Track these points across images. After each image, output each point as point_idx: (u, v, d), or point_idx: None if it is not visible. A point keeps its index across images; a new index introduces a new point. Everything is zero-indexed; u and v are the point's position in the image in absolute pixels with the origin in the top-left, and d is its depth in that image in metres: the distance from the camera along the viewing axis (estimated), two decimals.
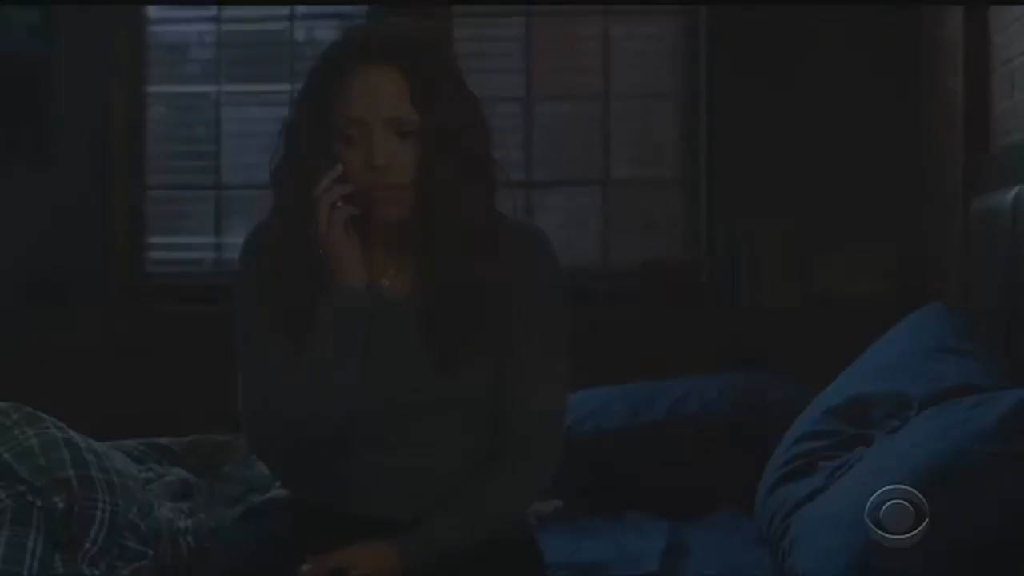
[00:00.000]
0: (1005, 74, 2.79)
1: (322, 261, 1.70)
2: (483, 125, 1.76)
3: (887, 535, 1.81)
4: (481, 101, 1.77)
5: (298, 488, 1.85)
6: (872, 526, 1.82)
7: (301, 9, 3.81)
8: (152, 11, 3.87)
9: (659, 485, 2.70)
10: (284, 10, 3.81)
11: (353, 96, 1.67)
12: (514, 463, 1.75)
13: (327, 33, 3.75)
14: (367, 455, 1.74)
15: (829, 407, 2.34)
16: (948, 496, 1.83)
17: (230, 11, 3.83)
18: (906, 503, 1.81)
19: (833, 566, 1.90)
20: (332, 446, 1.73)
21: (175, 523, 2.24)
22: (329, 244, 1.69)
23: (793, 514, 2.16)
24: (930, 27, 3.28)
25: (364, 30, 1.75)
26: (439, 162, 1.69)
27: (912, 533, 1.79)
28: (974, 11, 2.94)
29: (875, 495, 1.83)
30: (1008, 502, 1.85)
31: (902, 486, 1.83)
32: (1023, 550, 1.83)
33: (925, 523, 1.79)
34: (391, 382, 1.73)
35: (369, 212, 1.71)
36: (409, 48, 1.69)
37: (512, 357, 1.74)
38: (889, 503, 1.81)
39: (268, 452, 1.79)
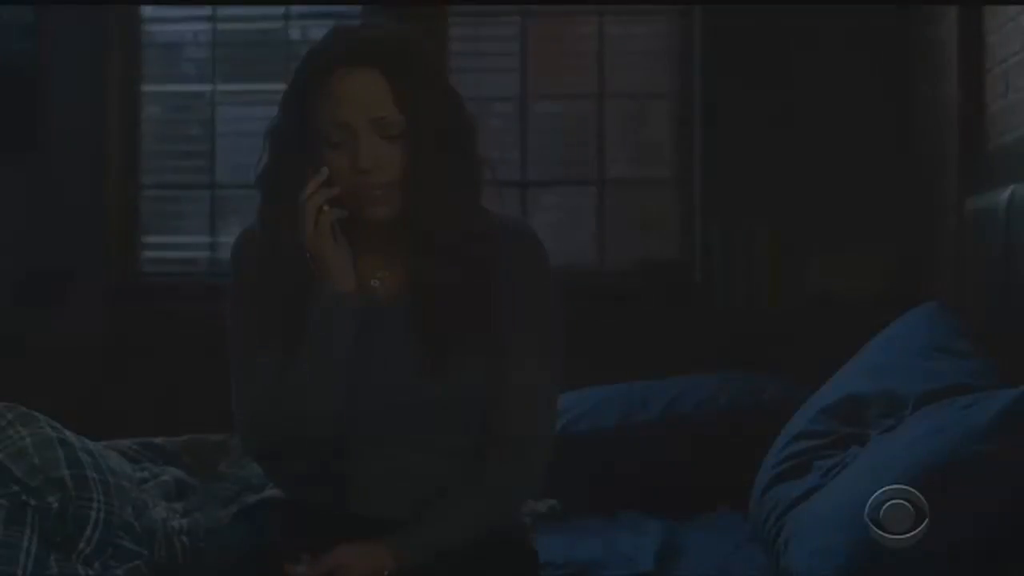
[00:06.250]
0: (999, 74, 2.79)
1: (310, 264, 1.70)
2: (468, 123, 1.75)
3: (886, 535, 1.81)
4: (465, 99, 1.76)
5: (292, 488, 1.85)
6: (872, 526, 1.82)
7: (296, 9, 3.81)
8: (146, 10, 3.87)
9: (654, 484, 2.70)
10: (279, 10, 3.81)
11: (336, 99, 1.67)
12: (507, 462, 1.75)
13: (322, 33, 3.72)
14: (360, 455, 1.75)
15: (823, 406, 2.34)
16: (943, 495, 1.83)
17: (225, 10, 3.82)
18: (905, 503, 1.81)
19: (828, 565, 1.90)
20: (325, 446, 1.73)
21: (170, 523, 2.23)
22: (317, 247, 1.69)
23: (788, 513, 2.17)
24: (924, 27, 3.29)
25: (344, 32, 1.74)
26: (426, 162, 1.69)
27: (912, 533, 1.79)
28: (968, 11, 2.94)
29: (875, 495, 1.83)
30: (1004, 502, 1.85)
31: (901, 486, 1.83)
32: (1018, 549, 1.83)
33: (925, 523, 1.79)
34: (383, 382, 1.73)
35: (357, 214, 1.71)
36: (390, 49, 1.69)
37: (503, 356, 1.73)
38: (888, 503, 1.81)
39: (261, 453, 1.79)
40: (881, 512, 1.82)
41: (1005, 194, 2.50)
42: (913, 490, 1.82)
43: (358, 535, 1.68)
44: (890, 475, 1.89)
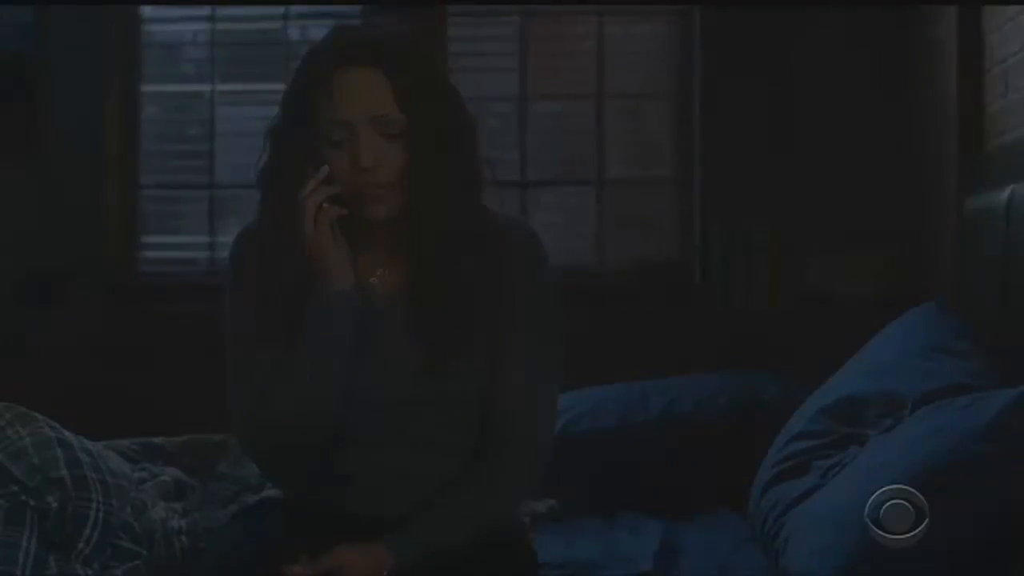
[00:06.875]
0: (999, 74, 2.79)
1: (309, 263, 1.70)
2: (469, 123, 1.75)
3: (886, 535, 1.81)
4: (466, 99, 1.77)
5: (290, 488, 1.85)
6: (872, 526, 1.82)
7: (296, 9, 3.81)
8: (146, 10, 3.87)
9: (653, 484, 2.70)
10: (278, 9, 3.81)
11: (337, 98, 1.67)
12: (505, 461, 1.75)
13: (321, 33, 3.70)
14: (359, 454, 1.74)
15: (823, 406, 2.34)
16: (943, 495, 1.83)
17: (224, 10, 3.82)
18: (905, 503, 1.81)
19: (828, 565, 1.90)
20: (323, 446, 1.73)
21: (169, 523, 2.23)
22: (316, 246, 1.69)
23: (787, 513, 2.17)
24: (924, 27, 3.29)
25: (345, 32, 1.75)
26: (426, 161, 1.69)
27: (911, 533, 1.79)
28: (968, 11, 2.94)
29: (875, 495, 1.83)
30: (1002, 501, 1.85)
31: (901, 486, 1.82)
32: (1018, 549, 1.83)
33: (925, 523, 1.79)
34: (381, 381, 1.73)
35: (357, 212, 1.71)
36: (390, 48, 1.69)
37: (502, 355, 1.73)
38: (888, 503, 1.81)
39: (259, 453, 1.79)
40: (881, 512, 1.82)
41: (1005, 194, 2.50)
42: (913, 490, 1.81)
43: (357, 535, 1.68)
44: (890, 475, 1.89)
